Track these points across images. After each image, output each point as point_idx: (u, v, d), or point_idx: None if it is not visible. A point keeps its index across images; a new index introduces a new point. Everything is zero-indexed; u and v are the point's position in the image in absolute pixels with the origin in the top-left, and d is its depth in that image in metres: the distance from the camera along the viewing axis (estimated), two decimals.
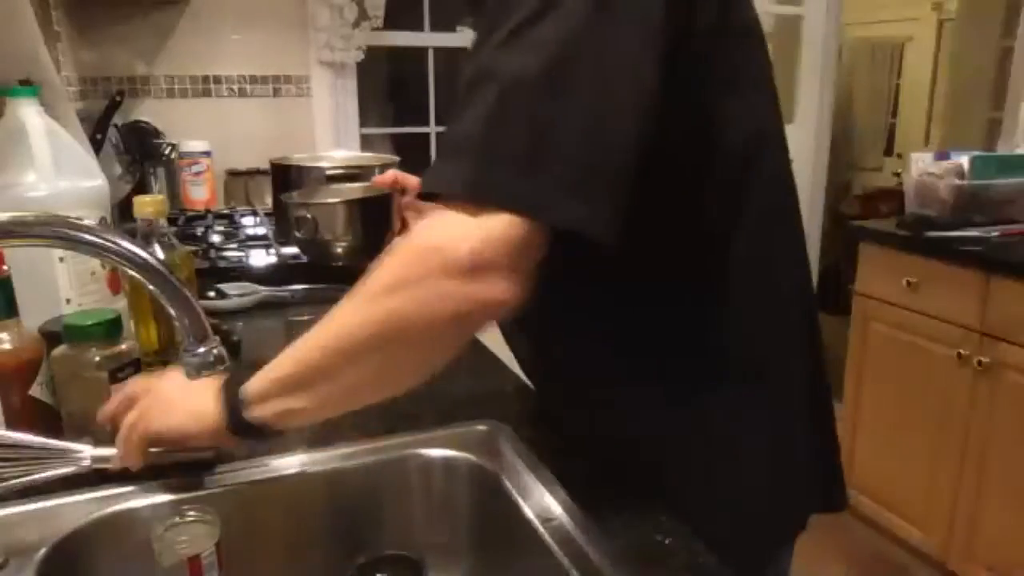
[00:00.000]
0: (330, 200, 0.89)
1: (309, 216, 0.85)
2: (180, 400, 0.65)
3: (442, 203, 0.52)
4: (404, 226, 0.91)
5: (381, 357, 0.55)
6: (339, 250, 0.88)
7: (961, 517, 1.81)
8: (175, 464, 0.68)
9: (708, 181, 0.63)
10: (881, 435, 2.04)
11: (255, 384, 0.59)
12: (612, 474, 0.69)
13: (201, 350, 0.59)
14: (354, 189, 0.95)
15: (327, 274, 1.38)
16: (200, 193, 2.06)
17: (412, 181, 0.92)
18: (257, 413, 0.59)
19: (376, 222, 0.88)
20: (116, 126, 1.91)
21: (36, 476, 0.64)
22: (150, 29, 2.16)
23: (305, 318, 1.20)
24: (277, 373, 0.59)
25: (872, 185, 4.82)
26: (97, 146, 1.72)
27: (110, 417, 0.67)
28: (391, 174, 0.90)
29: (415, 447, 0.75)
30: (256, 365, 0.60)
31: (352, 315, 0.54)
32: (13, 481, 0.63)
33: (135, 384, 0.70)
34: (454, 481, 0.74)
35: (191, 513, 0.59)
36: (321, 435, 0.78)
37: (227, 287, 1.25)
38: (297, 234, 0.86)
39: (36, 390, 0.73)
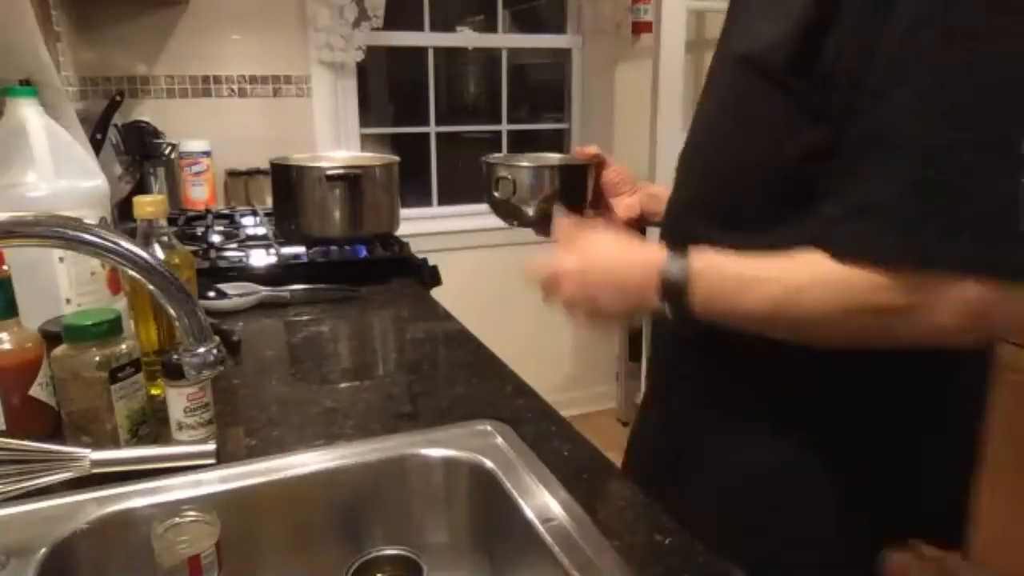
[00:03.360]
0: (532, 164, 0.93)
1: (510, 177, 0.90)
2: (624, 285, 0.69)
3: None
4: (602, 203, 0.97)
5: (805, 336, 0.61)
6: (531, 213, 0.92)
7: None
8: (175, 464, 0.68)
9: None
10: None
11: (703, 298, 0.63)
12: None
13: (201, 350, 0.59)
14: (552, 158, 1.00)
15: (327, 274, 1.38)
16: (200, 193, 2.06)
17: (610, 158, 0.96)
18: (697, 311, 0.63)
19: (572, 191, 0.93)
20: (116, 126, 1.91)
21: (37, 482, 0.64)
22: (150, 29, 2.16)
23: (305, 318, 1.20)
24: (729, 300, 0.63)
25: None
26: (97, 146, 1.72)
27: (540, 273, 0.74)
28: (592, 148, 0.95)
29: (415, 447, 0.75)
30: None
31: (819, 304, 0.59)
32: (14, 488, 0.63)
33: (567, 245, 0.75)
34: (454, 481, 0.74)
35: (191, 513, 0.59)
36: (321, 435, 0.78)
37: (227, 287, 1.25)
38: (496, 194, 0.91)
39: (36, 390, 0.73)
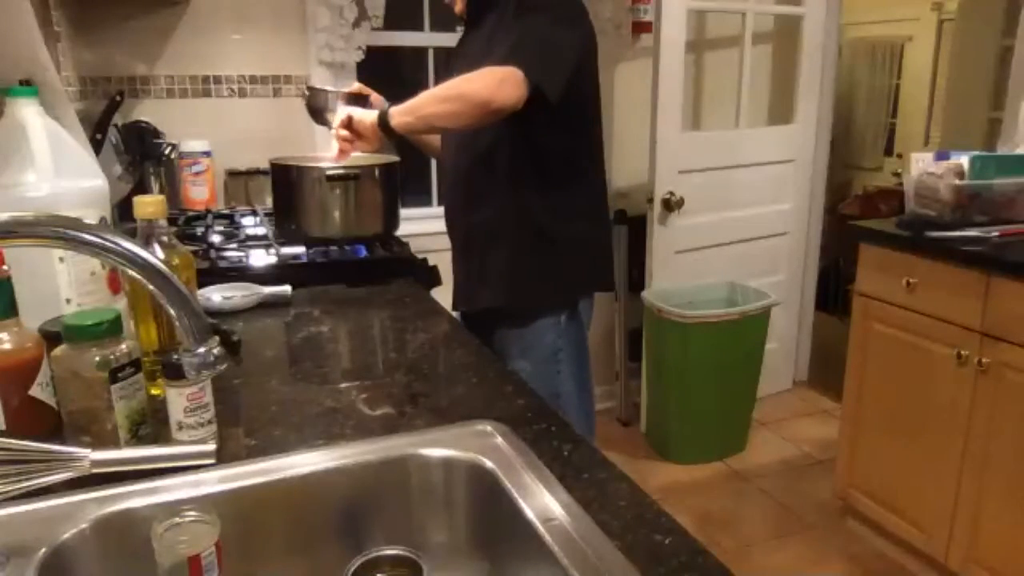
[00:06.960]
0: (329, 89, 1.52)
1: (316, 95, 1.52)
2: (366, 123, 1.34)
3: (505, 62, 1.27)
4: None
5: (449, 105, 1.28)
6: (327, 117, 1.48)
7: (962, 518, 1.80)
8: (175, 464, 0.68)
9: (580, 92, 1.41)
10: (881, 435, 2.04)
11: (396, 108, 1.32)
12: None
13: (201, 350, 0.59)
14: (342, 89, 1.53)
15: (326, 274, 1.38)
16: (200, 193, 2.06)
17: (373, 93, 1.53)
18: (393, 121, 1.31)
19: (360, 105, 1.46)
20: (116, 126, 1.91)
21: (37, 482, 0.64)
22: (150, 29, 2.16)
23: (305, 318, 1.20)
24: (406, 105, 1.32)
25: (872, 185, 4.82)
26: (97, 146, 1.72)
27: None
28: (358, 85, 1.53)
29: (415, 447, 0.75)
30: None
31: (449, 86, 1.29)
32: (14, 488, 0.63)
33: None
34: (454, 481, 0.74)
35: (191, 513, 0.59)
36: (321, 435, 0.78)
37: (227, 287, 1.25)
38: (306, 103, 1.54)
39: (36, 390, 0.73)
